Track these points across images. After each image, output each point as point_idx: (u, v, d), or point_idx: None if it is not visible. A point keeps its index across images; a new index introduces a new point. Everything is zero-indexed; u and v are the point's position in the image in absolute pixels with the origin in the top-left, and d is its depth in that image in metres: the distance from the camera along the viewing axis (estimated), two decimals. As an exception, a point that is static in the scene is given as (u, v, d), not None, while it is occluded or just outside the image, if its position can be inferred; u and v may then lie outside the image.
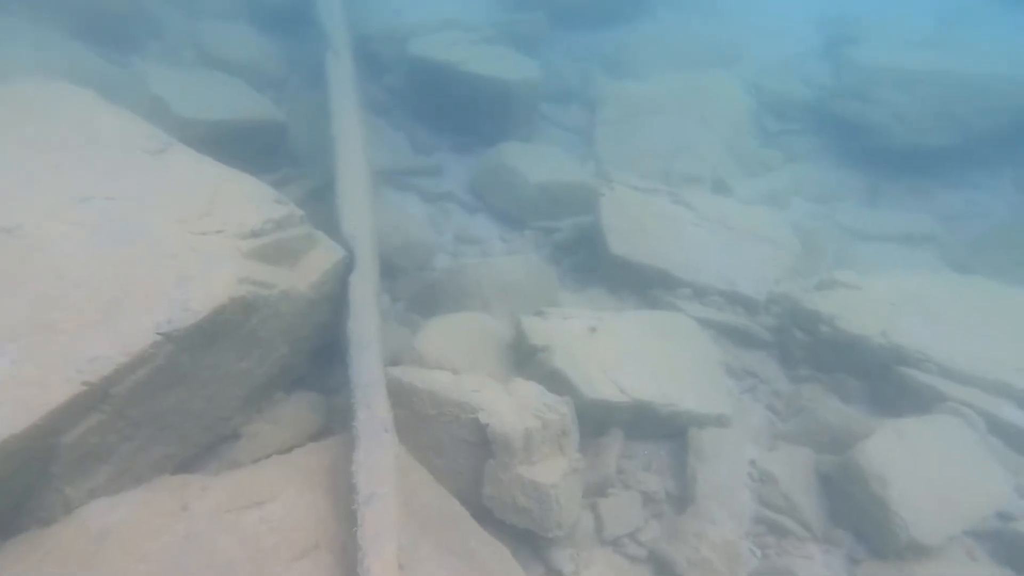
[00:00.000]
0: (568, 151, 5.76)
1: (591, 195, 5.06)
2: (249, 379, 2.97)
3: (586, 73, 6.54)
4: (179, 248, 2.77)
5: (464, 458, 2.87)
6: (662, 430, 3.36)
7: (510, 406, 3.00)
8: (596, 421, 3.29)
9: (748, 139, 5.55)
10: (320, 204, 4.72)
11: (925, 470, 2.94)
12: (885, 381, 3.47)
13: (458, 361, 3.43)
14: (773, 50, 6.59)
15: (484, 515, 2.76)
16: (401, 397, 3.03)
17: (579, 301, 4.28)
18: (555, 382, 3.29)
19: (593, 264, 4.63)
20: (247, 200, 3.19)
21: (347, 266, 3.47)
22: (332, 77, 4.59)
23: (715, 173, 5.02)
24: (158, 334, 2.42)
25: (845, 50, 5.94)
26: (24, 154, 2.94)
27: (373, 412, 2.63)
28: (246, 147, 4.64)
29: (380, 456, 2.46)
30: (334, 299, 3.39)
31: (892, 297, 3.68)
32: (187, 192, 3.08)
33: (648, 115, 5.39)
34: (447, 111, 5.61)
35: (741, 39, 6.70)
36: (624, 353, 3.49)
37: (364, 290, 3.27)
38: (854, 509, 2.96)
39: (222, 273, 2.73)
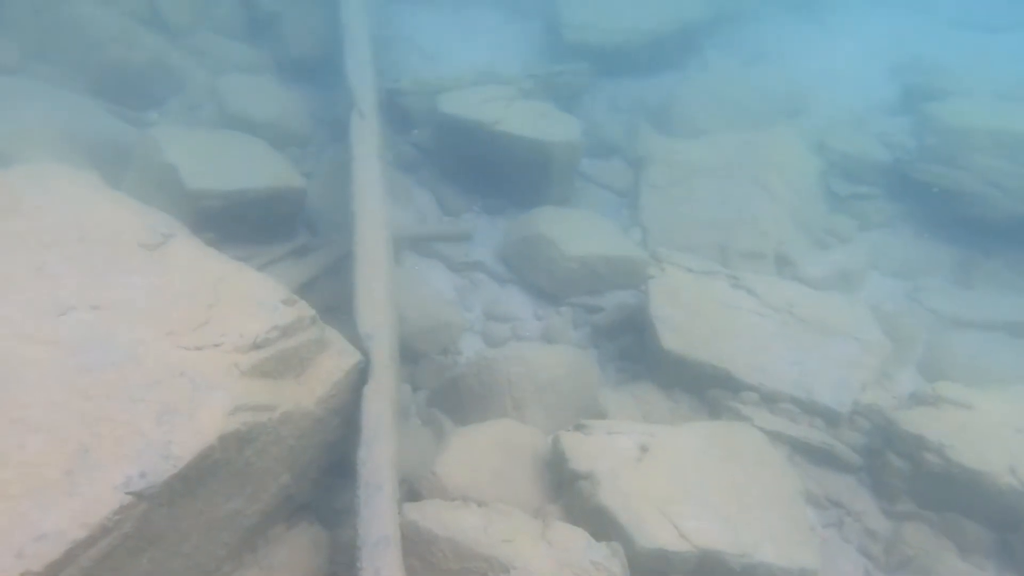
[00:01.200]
0: (610, 214, 5.34)
1: (636, 269, 4.62)
2: (241, 520, 2.58)
3: (630, 126, 6.15)
4: (166, 371, 2.42)
5: (491, 632, 2.41)
6: (730, 584, 2.83)
7: (548, 562, 2.53)
8: (652, 572, 2.79)
9: (815, 204, 5.03)
10: (336, 280, 4.42)
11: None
12: (1018, 531, 2.86)
13: (486, 488, 2.99)
14: (840, 102, 6.09)
15: None
16: (418, 546, 2.59)
17: (624, 401, 3.80)
18: (601, 522, 2.81)
19: (639, 352, 4.16)
20: (251, 303, 2.86)
21: (362, 373, 3.09)
22: (356, 143, 4.31)
23: (779, 247, 4.52)
24: (128, 494, 2.05)
25: (927, 106, 5.40)
26: (6, 254, 2.67)
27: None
28: (262, 216, 4.38)
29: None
30: (345, 411, 3.01)
31: (1018, 420, 3.10)
32: (183, 297, 2.75)
33: (701, 179, 4.94)
34: (479, 171, 5.28)
35: (802, 88, 6.22)
36: (683, 482, 2.99)
37: (379, 408, 2.87)
38: None
39: (213, 404, 2.37)
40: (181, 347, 2.56)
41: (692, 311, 3.83)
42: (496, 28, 7.51)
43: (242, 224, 4.34)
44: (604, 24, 6.45)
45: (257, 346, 2.72)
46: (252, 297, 2.90)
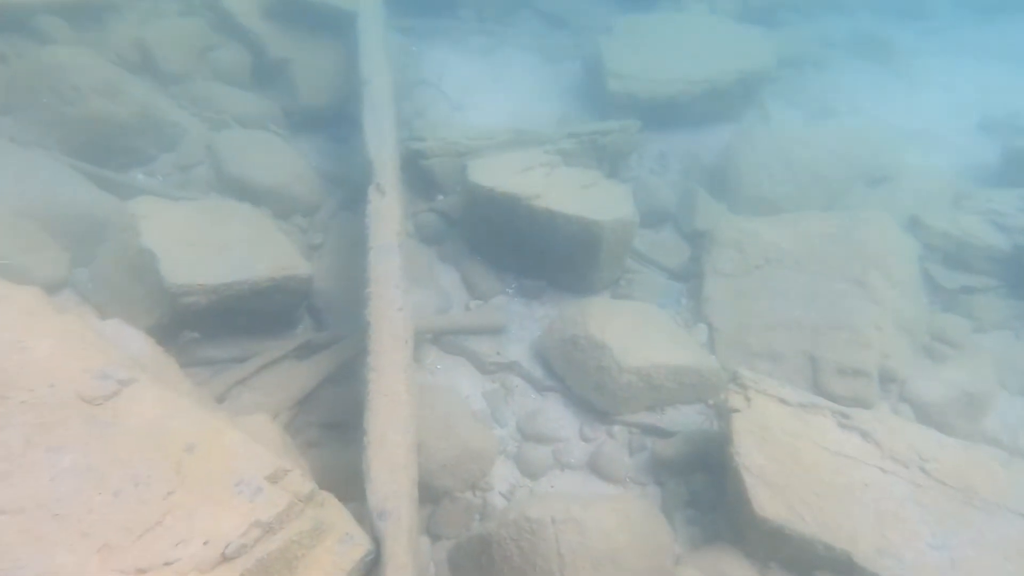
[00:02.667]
0: (666, 302, 4.61)
1: (707, 383, 3.88)
2: None
3: (685, 189, 5.46)
4: (91, 624, 1.72)
5: None
6: None
7: None
8: None
9: (917, 300, 4.27)
10: (346, 386, 3.73)
11: None
12: None
13: None
14: (930, 167, 5.37)
15: None
16: None
17: (705, 570, 3.03)
18: None
19: (716, 497, 3.40)
20: (226, 485, 2.16)
21: (369, 567, 2.37)
22: (373, 226, 3.64)
23: (884, 362, 3.76)
24: None
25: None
26: None
27: None
28: (259, 308, 3.72)
29: None
30: (347, 623, 2.28)
31: None
32: (131, 483, 2.06)
33: (779, 268, 4.22)
34: (513, 246, 4.60)
35: (883, 150, 5.51)
36: None
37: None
38: None
39: None
40: (117, 572, 1.86)
41: (790, 461, 3.06)
42: (529, 72, 6.91)
43: (234, 318, 3.69)
44: (653, 74, 5.80)
45: (228, 558, 2.01)
46: (228, 474, 2.20)
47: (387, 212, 3.77)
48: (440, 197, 5.07)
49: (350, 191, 4.98)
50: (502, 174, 4.52)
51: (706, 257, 4.47)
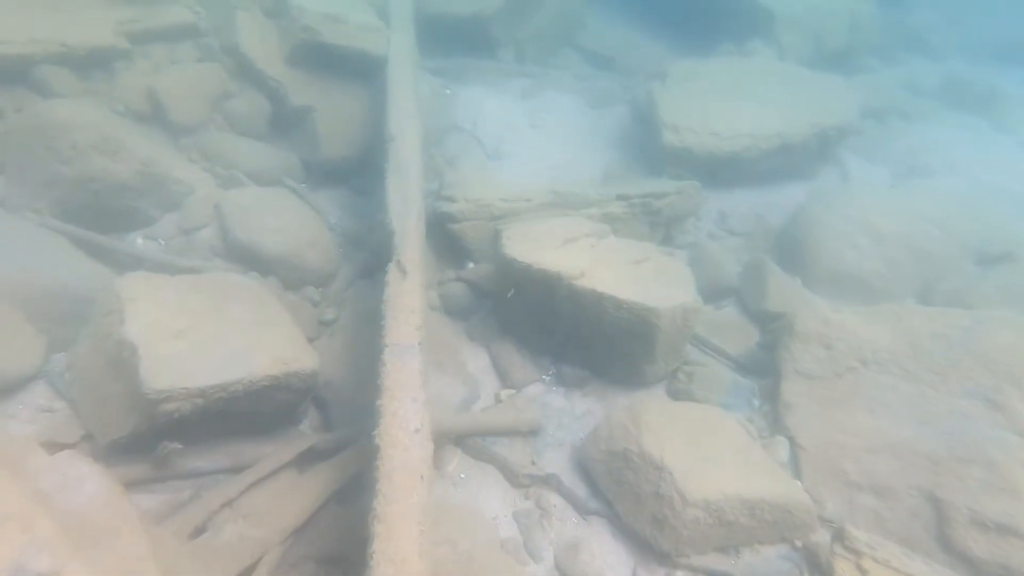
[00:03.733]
0: (731, 400, 3.94)
1: (793, 522, 3.19)
2: None
3: (751, 259, 4.82)
4: None
5: None
6: None
7: None
8: None
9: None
10: (353, 506, 3.18)
11: None
12: None
13: None
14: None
15: None
16: None
17: None
18: None
19: None
20: None
21: None
22: (391, 314, 3.12)
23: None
24: None
25: None
26: None
27: None
28: (255, 407, 3.22)
29: None
30: None
31: None
32: None
33: (878, 373, 3.52)
34: (553, 326, 4.03)
35: (993, 216, 4.76)
36: None
37: None
38: None
39: None
40: None
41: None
42: (573, 117, 6.41)
43: (225, 421, 3.19)
44: (714, 126, 5.21)
45: None
46: None
47: (407, 300, 3.24)
48: (470, 265, 4.54)
49: (371, 255, 4.51)
50: (541, 246, 3.97)
51: (784, 352, 3.80)
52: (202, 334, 3.17)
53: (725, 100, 5.42)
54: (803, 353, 3.72)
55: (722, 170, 5.24)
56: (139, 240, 4.11)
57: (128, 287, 3.26)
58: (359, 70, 5.26)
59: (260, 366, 3.08)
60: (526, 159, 5.95)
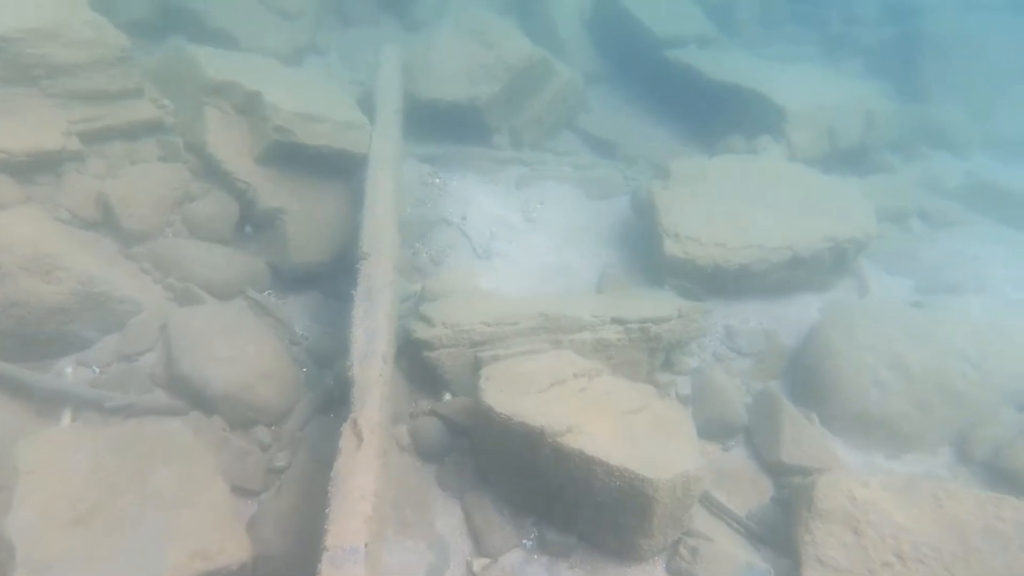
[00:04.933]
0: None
1: None
2: None
3: (762, 392, 4.32)
4: None
5: None
6: None
7: None
8: None
9: None
10: None
11: None
12: None
13: None
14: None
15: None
16: None
17: None
18: None
19: None
20: None
21: None
22: (335, 510, 2.61)
23: None
24: None
25: None
26: None
27: None
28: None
29: None
30: None
31: None
32: None
33: (922, 565, 2.97)
34: (536, 483, 3.50)
35: (1021, 350, 4.27)
36: None
37: None
38: None
39: None
40: None
41: None
42: (570, 210, 6.02)
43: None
44: (719, 235, 4.78)
45: None
46: None
47: (359, 479, 2.73)
48: (447, 396, 4.05)
49: (335, 382, 4.02)
50: (524, 391, 3.47)
51: (803, 532, 3.24)
52: (108, 519, 2.66)
53: (731, 204, 5.01)
54: (826, 537, 3.17)
55: (729, 280, 4.79)
56: (69, 369, 3.64)
57: (28, 456, 2.78)
58: (338, 167, 4.90)
59: (171, 568, 2.56)
60: (518, 258, 5.52)
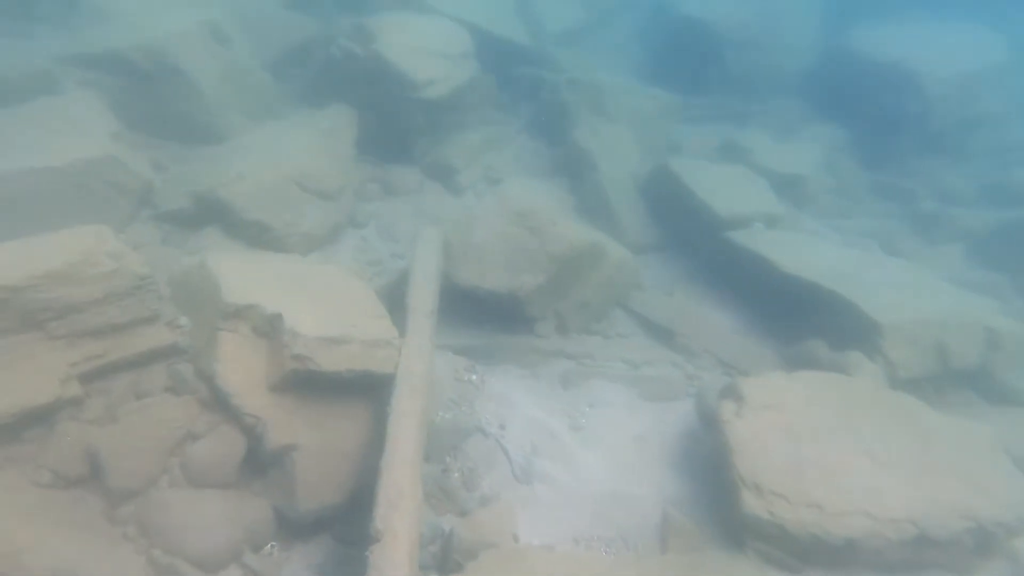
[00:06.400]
0: None
1: None
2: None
3: None
4: None
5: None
6: None
7: None
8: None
9: None
10: None
11: None
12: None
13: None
14: None
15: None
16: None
17: None
18: None
19: None
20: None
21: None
22: None
23: None
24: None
25: None
26: None
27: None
28: None
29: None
30: None
31: None
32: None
33: None
34: None
35: None
36: None
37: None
38: None
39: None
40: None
41: None
42: (624, 416, 5.26)
43: None
44: (815, 493, 3.82)
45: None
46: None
47: None
48: None
49: None
50: None
51: None
52: None
53: (824, 447, 4.13)
54: None
55: (831, 554, 3.84)
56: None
57: None
58: (363, 387, 4.40)
59: None
60: (564, 483, 4.74)
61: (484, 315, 5.77)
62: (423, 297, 5.03)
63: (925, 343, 5.13)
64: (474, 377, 5.45)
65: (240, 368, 4.08)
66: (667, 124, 8.85)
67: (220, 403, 4.04)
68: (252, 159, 6.10)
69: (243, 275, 4.50)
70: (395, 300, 5.22)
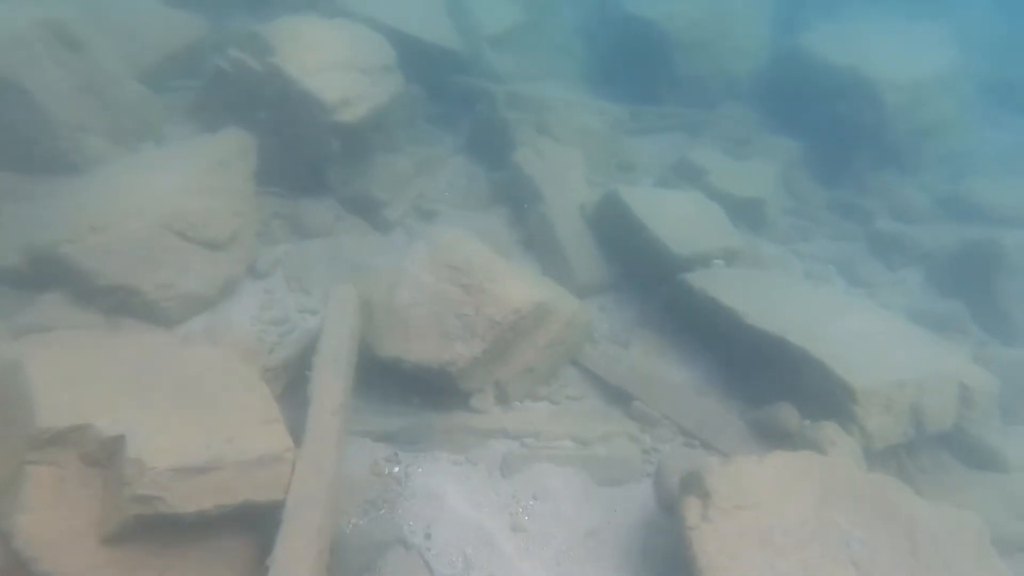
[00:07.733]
0: None
1: None
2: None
3: None
4: None
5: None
6: None
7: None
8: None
9: None
10: None
11: None
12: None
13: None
14: None
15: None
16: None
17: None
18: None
19: None
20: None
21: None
22: None
23: None
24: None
25: None
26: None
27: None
28: None
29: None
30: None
31: None
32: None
33: None
34: None
35: None
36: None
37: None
38: None
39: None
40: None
41: None
42: (574, 506, 4.43)
43: None
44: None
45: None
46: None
47: None
48: None
49: None
50: None
51: None
52: None
53: (803, 554, 3.47)
54: None
55: None
56: None
57: None
58: (242, 520, 3.44)
59: None
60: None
61: (410, 390, 4.87)
62: (329, 386, 4.07)
63: (901, 407, 4.57)
64: (396, 470, 4.54)
65: (56, 517, 3.04)
66: (617, 141, 8.09)
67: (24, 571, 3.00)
68: (116, 199, 4.92)
69: (77, 375, 3.44)
70: (305, 370, 4.26)
